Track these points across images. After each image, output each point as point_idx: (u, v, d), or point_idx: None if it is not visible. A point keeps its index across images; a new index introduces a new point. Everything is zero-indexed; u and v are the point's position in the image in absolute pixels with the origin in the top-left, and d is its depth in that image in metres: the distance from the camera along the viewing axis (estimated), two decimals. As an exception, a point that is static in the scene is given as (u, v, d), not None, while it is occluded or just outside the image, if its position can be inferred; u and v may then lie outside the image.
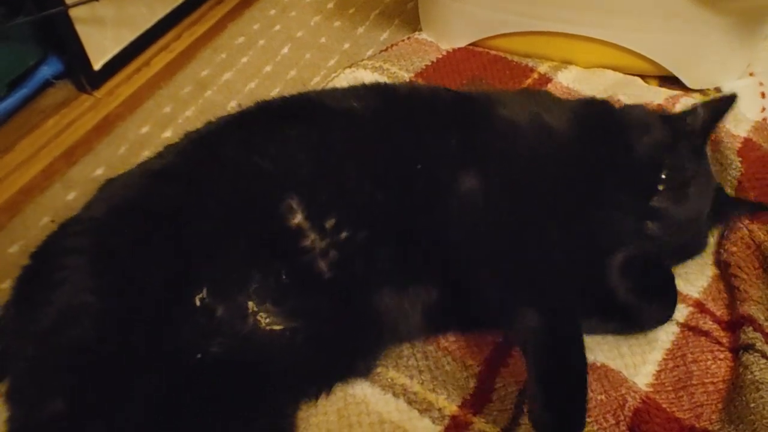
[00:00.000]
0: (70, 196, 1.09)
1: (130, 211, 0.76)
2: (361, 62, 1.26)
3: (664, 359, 0.84)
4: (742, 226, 0.94)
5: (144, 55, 1.30)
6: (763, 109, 1.17)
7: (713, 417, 0.79)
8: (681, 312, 0.88)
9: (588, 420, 0.77)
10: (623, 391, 0.80)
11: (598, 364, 0.83)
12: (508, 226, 0.77)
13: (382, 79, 1.21)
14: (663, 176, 0.82)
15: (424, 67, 1.25)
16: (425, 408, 0.79)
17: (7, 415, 0.68)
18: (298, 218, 0.76)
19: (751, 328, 0.84)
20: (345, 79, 1.21)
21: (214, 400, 0.69)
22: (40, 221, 1.05)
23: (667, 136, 0.86)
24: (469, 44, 1.30)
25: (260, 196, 0.77)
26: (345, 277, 0.77)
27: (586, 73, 1.24)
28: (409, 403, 0.80)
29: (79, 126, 1.17)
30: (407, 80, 1.22)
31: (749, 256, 0.92)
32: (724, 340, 0.86)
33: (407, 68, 1.25)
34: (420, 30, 1.35)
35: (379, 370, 0.83)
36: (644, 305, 0.83)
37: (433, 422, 0.78)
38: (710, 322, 0.87)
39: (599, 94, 1.18)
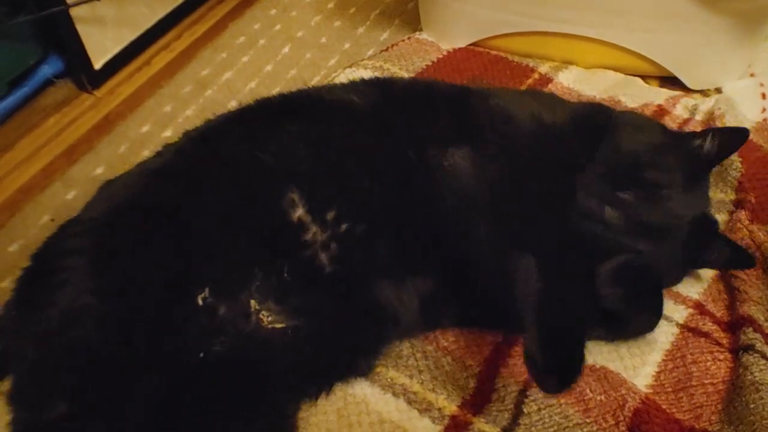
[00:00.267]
0: (71, 194, 1.09)
1: (130, 211, 0.76)
2: (361, 62, 1.26)
3: (664, 360, 0.84)
4: (742, 227, 0.94)
5: (144, 55, 1.30)
6: (764, 110, 1.17)
7: (713, 418, 0.79)
8: (681, 313, 0.88)
9: (588, 420, 0.77)
10: (623, 392, 0.80)
11: (598, 366, 0.83)
12: (499, 185, 0.79)
13: (383, 79, 1.21)
14: (643, 175, 0.80)
15: (424, 67, 1.25)
16: (425, 408, 0.80)
17: (10, 417, 0.69)
18: (299, 212, 0.76)
19: (751, 329, 0.84)
20: (345, 78, 1.20)
21: (215, 400, 0.69)
22: (40, 220, 1.05)
23: (661, 142, 0.85)
24: (470, 44, 1.30)
25: (261, 191, 0.77)
26: (345, 271, 0.77)
27: (587, 74, 1.24)
28: (409, 402, 0.80)
29: (79, 125, 1.17)
30: (408, 80, 1.22)
31: (749, 257, 0.92)
32: (724, 341, 0.86)
33: (407, 68, 1.25)
34: (420, 30, 1.35)
35: (378, 369, 0.83)
36: (630, 314, 0.82)
37: (433, 422, 0.78)
38: (710, 323, 0.87)
39: (600, 94, 1.19)
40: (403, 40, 1.32)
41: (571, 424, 0.77)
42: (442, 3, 1.28)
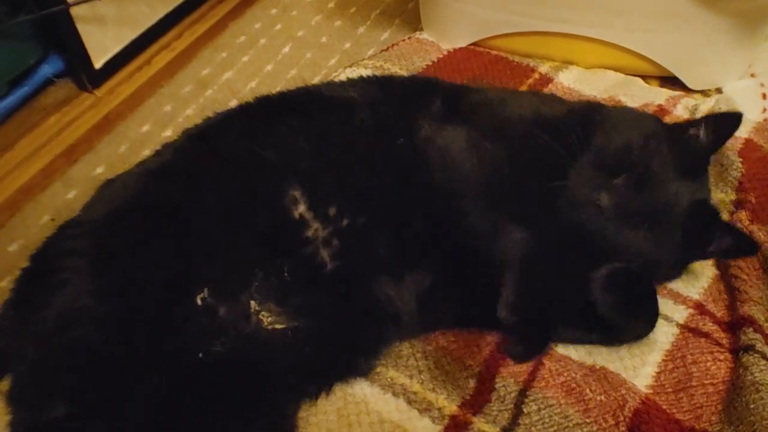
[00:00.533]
0: (71, 194, 1.09)
1: (129, 211, 0.76)
2: (361, 62, 1.26)
3: (664, 360, 0.84)
4: (742, 227, 0.94)
5: (145, 54, 1.30)
6: (764, 110, 1.17)
7: (713, 418, 0.79)
8: (681, 313, 0.88)
9: (588, 420, 0.77)
10: (623, 392, 0.80)
11: (598, 366, 0.83)
12: (492, 164, 0.79)
13: (383, 78, 1.21)
14: (633, 162, 0.79)
15: (424, 67, 1.25)
16: (425, 408, 0.79)
17: (10, 417, 0.69)
18: (301, 208, 0.77)
19: (751, 329, 0.84)
20: (345, 78, 1.20)
21: (214, 400, 0.69)
22: (40, 220, 1.05)
23: (653, 131, 0.84)
24: (470, 44, 1.30)
25: (262, 188, 0.77)
26: (346, 267, 0.77)
27: (587, 74, 1.24)
28: (409, 402, 0.80)
29: (79, 124, 1.17)
30: (408, 80, 1.22)
31: (749, 257, 0.92)
32: (724, 341, 0.86)
33: (408, 68, 1.25)
34: (421, 30, 1.35)
35: (378, 369, 0.83)
36: (624, 320, 0.82)
37: (433, 422, 0.78)
38: (710, 324, 0.87)
39: (600, 94, 1.19)
40: (404, 40, 1.32)
41: (571, 424, 0.77)
42: (443, 3, 1.28)
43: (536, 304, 0.71)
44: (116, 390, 0.67)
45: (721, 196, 1.00)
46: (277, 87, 1.28)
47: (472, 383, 0.81)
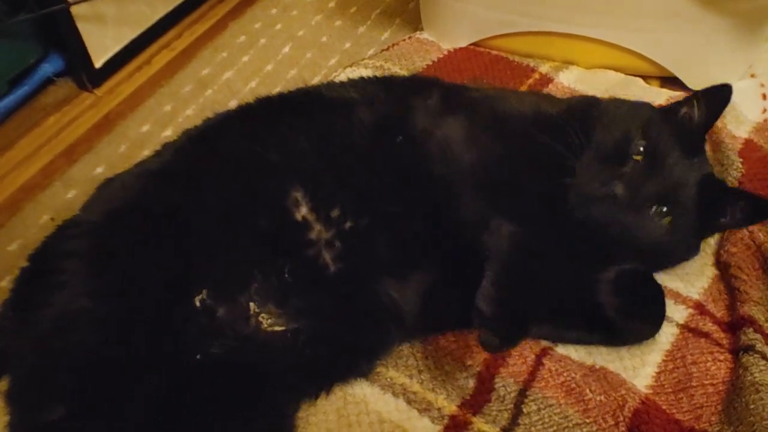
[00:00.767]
0: (70, 194, 1.09)
1: (129, 212, 0.76)
2: (362, 61, 1.26)
3: (664, 361, 0.84)
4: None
5: (145, 54, 1.30)
6: (764, 111, 1.17)
7: (713, 418, 0.79)
8: (681, 313, 0.88)
9: (587, 421, 0.77)
10: (623, 392, 0.80)
11: (598, 366, 0.83)
12: (488, 153, 0.80)
13: (383, 78, 1.21)
14: (638, 148, 0.80)
15: (425, 67, 1.25)
16: (425, 408, 0.79)
17: (9, 418, 0.69)
18: (303, 210, 0.76)
19: (751, 330, 0.84)
20: (346, 78, 1.20)
21: (214, 401, 0.69)
22: (40, 219, 1.05)
23: (648, 116, 0.85)
24: (471, 44, 1.30)
25: (263, 189, 0.77)
26: (349, 269, 0.77)
27: (588, 74, 1.24)
28: (409, 402, 0.80)
29: (79, 124, 1.17)
30: (408, 80, 1.22)
31: (749, 257, 0.92)
32: (724, 342, 0.85)
33: (408, 68, 1.25)
34: (421, 29, 1.35)
35: (378, 369, 0.83)
36: (632, 323, 0.83)
37: (433, 422, 0.78)
38: (710, 324, 0.87)
39: (600, 94, 1.18)
40: (404, 40, 1.32)
41: (570, 425, 0.77)
42: (443, 3, 1.28)
43: (515, 298, 0.71)
44: (115, 391, 0.67)
45: (721, 196, 0.99)
46: (277, 87, 1.28)
47: (471, 383, 0.81)
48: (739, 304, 0.87)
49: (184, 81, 1.30)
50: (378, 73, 1.22)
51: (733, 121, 1.10)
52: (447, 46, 1.30)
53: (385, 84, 0.94)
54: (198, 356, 0.69)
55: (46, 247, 0.78)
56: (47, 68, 1.18)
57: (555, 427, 0.77)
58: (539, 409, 0.79)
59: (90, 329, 0.68)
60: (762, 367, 0.80)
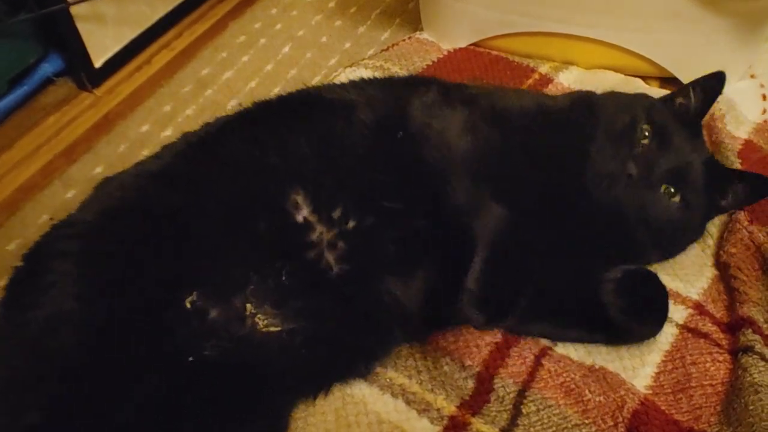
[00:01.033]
0: (70, 194, 1.09)
1: (124, 212, 0.76)
2: (361, 61, 1.26)
3: (663, 361, 0.84)
4: (741, 227, 0.94)
5: (145, 53, 1.29)
6: (764, 111, 1.17)
7: (712, 419, 0.79)
8: (680, 313, 0.88)
9: (586, 421, 0.77)
10: (622, 393, 0.80)
11: (597, 366, 0.83)
12: (484, 140, 0.81)
13: (383, 78, 1.21)
14: (645, 132, 0.83)
15: (425, 67, 1.25)
16: (424, 408, 0.79)
17: None
18: (304, 212, 0.76)
19: (750, 330, 0.83)
20: (345, 78, 1.20)
21: (207, 403, 0.69)
22: (39, 219, 1.05)
23: (649, 102, 0.89)
24: (470, 44, 1.30)
25: (262, 192, 0.77)
26: (353, 270, 0.77)
27: (587, 74, 1.24)
28: (408, 403, 0.80)
29: (79, 124, 1.17)
30: (408, 80, 1.22)
31: (749, 258, 0.92)
32: (724, 342, 0.85)
33: (408, 68, 1.24)
34: (421, 30, 1.35)
35: (377, 369, 0.82)
36: (633, 324, 0.83)
37: (432, 422, 0.78)
38: (709, 324, 0.87)
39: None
40: (404, 40, 1.32)
41: (570, 425, 0.77)
42: (443, 3, 1.28)
43: (503, 277, 0.72)
44: (91, 402, 0.65)
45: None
46: (276, 87, 1.28)
47: (471, 384, 0.81)
48: (738, 304, 0.87)
49: (184, 81, 1.30)
50: (378, 73, 1.22)
51: (732, 121, 1.10)
52: (447, 46, 1.30)
53: (385, 84, 0.95)
54: (190, 358, 0.68)
55: (40, 246, 0.77)
56: (47, 68, 1.18)
57: (554, 428, 0.77)
58: (538, 410, 0.79)
59: (74, 333, 0.67)
60: (761, 368, 0.80)
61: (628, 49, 1.19)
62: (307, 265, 0.76)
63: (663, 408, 0.79)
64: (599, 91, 1.18)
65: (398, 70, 1.24)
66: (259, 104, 0.91)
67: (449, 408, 0.79)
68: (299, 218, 0.76)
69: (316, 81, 1.29)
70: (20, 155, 1.11)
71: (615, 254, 0.89)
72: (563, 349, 0.85)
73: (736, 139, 1.08)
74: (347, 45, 1.38)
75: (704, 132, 0.96)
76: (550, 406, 0.79)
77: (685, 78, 1.20)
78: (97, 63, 1.21)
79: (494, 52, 1.28)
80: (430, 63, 1.26)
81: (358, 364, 0.81)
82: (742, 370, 0.80)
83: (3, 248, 1.01)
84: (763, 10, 1.12)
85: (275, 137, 0.81)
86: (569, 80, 1.22)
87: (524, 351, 0.84)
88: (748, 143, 1.07)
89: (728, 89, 1.21)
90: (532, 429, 0.77)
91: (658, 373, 0.83)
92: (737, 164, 1.01)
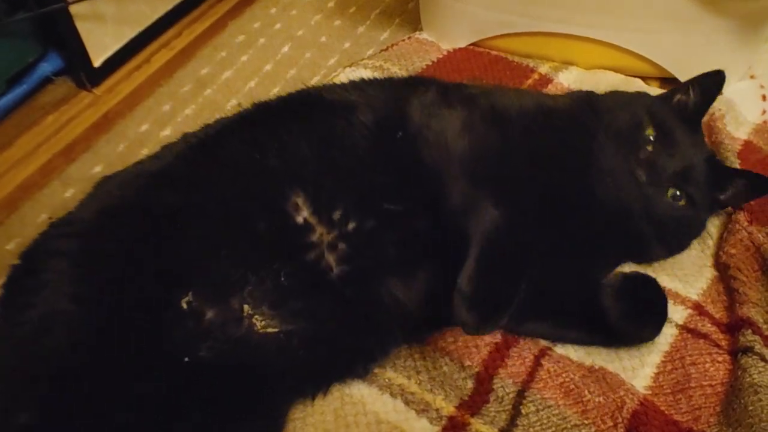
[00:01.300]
0: (68, 193, 1.09)
1: (123, 212, 0.76)
2: (361, 61, 1.26)
3: (663, 362, 0.84)
4: (741, 228, 0.94)
5: (144, 53, 1.29)
6: (764, 112, 1.17)
7: (711, 420, 0.79)
8: (680, 314, 0.88)
9: (586, 422, 0.77)
10: (621, 393, 0.80)
11: (597, 367, 0.83)
12: (482, 140, 0.81)
13: (382, 78, 1.21)
14: (649, 135, 0.84)
15: (424, 67, 1.25)
16: (423, 408, 0.79)
17: None
18: (304, 213, 0.76)
19: (750, 331, 0.83)
20: (345, 78, 1.20)
21: (203, 404, 0.69)
22: (37, 218, 1.05)
23: (651, 103, 0.89)
24: (470, 44, 1.30)
25: (262, 194, 0.77)
26: (354, 271, 0.76)
27: (587, 74, 1.24)
28: (407, 403, 0.80)
29: (78, 123, 1.17)
30: (407, 80, 1.22)
31: (748, 259, 0.92)
32: (723, 343, 0.85)
33: (407, 68, 1.24)
34: (421, 30, 1.35)
35: (376, 370, 0.82)
36: (632, 328, 0.83)
37: (431, 423, 0.78)
38: (709, 325, 0.87)
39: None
40: (403, 40, 1.32)
41: (569, 426, 0.77)
42: (443, 3, 1.28)
43: (496, 279, 0.71)
44: (88, 400, 0.65)
45: (720, 197, 1.00)
46: (276, 87, 1.28)
47: (470, 384, 0.81)
48: (737, 305, 0.87)
49: (184, 80, 1.30)
50: (377, 74, 1.22)
51: (732, 122, 1.10)
52: (446, 46, 1.30)
53: (385, 85, 0.94)
54: (186, 359, 0.68)
55: (38, 244, 0.77)
56: (46, 67, 1.18)
57: (553, 428, 0.77)
58: (538, 410, 0.79)
59: (69, 333, 0.67)
60: (761, 369, 0.80)
61: (628, 49, 1.19)
62: (306, 266, 0.75)
63: (662, 408, 0.79)
64: (599, 91, 1.19)
65: (398, 70, 1.24)
66: (258, 105, 0.90)
67: (448, 408, 0.79)
68: (299, 219, 0.76)
69: (315, 81, 1.29)
70: (19, 154, 1.10)
71: (619, 253, 0.90)
72: (563, 349, 0.85)
73: (736, 139, 1.08)
74: (347, 45, 1.38)
75: (704, 132, 0.96)
76: (549, 407, 0.79)
77: (685, 78, 1.19)
78: (97, 62, 1.21)
79: (494, 52, 1.28)
80: (430, 63, 1.26)
81: (357, 365, 0.81)
82: (742, 370, 0.80)
83: (2, 247, 1.00)
84: (763, 11, 1.12)
85: (275, 138, 0.80)
86: (569, 80, 1.22)
87: (524, 351, 0.84)
88: (747, 144, 1.07)
89: (728, 90, 1.22)
90: (531, 429, 0.77)
91: (657, 374, 0.83)
92: (737, 165, 1.01)
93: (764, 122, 1.14)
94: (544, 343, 0.85)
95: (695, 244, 0.95)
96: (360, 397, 0.81)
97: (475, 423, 0.78)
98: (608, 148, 0.83)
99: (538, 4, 1.19)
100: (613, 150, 0.82)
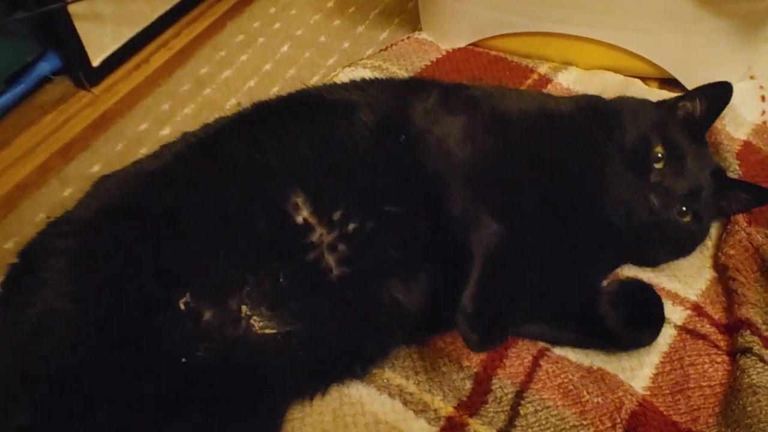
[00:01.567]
0: (67, 192, 1.08)
1: (121, 211, 0.76)
2: (360, 61, 1.26)
3: (662, 362, 0.84)
4: (740, 229, 0.94)
5: (143, 52, 1.29)
6: (763, 113, 1.17)
7: (710, 420, 0.79)
8: (679, 315, 0.88)
9: (584, 422, 0.77)
10: (620, 394, 0.79)
11: (595, 368, 0.83)
12: (484, 150, 0.81)
13: (382, 78, 1.21)
14: (658, 153, 0.83)
15: (423, 67, 1.25)
16: (421, 409, 0.79)
17: None
18: (304, 213, 0.76)
19: (748, 332, 0.83)
20: (344, 78, 1.20)
21: (201, 404, 0.68)
22: (35, 217, 1.05)
23: (659, 118, 0.88)
24: (469, 44, 1.30)
25: (261, 194, 0.76)
26: (355, 272, 0.76)
27: (587, 75, 1.24)
28: (405, 403, 0.80)
29: (76, 122, 1.17)
30: (407, 80, 1.21)
31: (747, 259, 0.91)
32: (722, 344, 0.85)
33: (407, 68, 1.24)
34: (420, 29, 1.35)
35: (374, 370, 0.82)
36: (629, 334, 0.83)
37: (429, 423, 0.78)
38: (708, 326, 0.87)
39: (599, 95, 1.18)
40: (403, 40, 1.31)
41: (567, 426, 0.77)
42: (442, 3, 1.27)
43: (499, 298, 0.71)
44: (85, 400, 0.65)
45: (719, 197, 0.99)
46: (275, 86, 1.28)
47: (468, 384, 0.81)
48: (736, 306, 0.87)
49: (183, 80, 1.30)
50: (376, 73, 1.22)
51: (731, 122, 1.10)
52: (446, 46, 1.30)
53: (386, 85, 0.94)
54: (183, 360, 0.68)
55: (36, 243, 0.77)
56: (44, 66, 1.18)
57: (552, 429, 0.77)
58: (536, 411, 0.78)
59: (67, 333, 0.66)
60: (759, 370, 0.79)
61: (628, 49, 1.19)
62: (306, 266, 0.75)
63: (661, 409, 0.79)
64: (598, 91, 1.19)
65: (397, 70, 1.23)
66: (258, 105, 0.90)
67: (446, 409, 0.79)
68: (299, 219, 0.76)
69: (314, 80, 1.29)
70: (17, 153, 1.11)
71: (620, 257, 0.90)
72: (561, 350, 0.85)
73: (735, 140, 1.08)
74: (346, 45, 1.38)
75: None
76: (548, 407, 0.79)
77: (685, 79, 1.20)
78: (95, 61, 1.21)
79: (493, 52, 1.28)
80: (429, 63, 1.26)
81: (356, 366, 0.81)
82: (741, 371, 0.80)
83: (0, 246, 1.00)
84: (762, 11, 1.12)
85: (275, 138, 0.80)
86: (568, 81, 1.22)
87: (522, 352, 0.84)
88: (747, 144, 1.07)
89: (727, 90, 1.22)
90: (529, 430, 0.77)
91: (656, 374, 0.83)
92: (736, 165, 1.01)
93: (763, 123, 1.14)
94: (542, 343, 0.85)
95: (695, 245, 0.95)
96: (358, 397, 0.80)
97: (474, 423, 0.78)
98: (621, 177, 0.82)
99: (538, 4, 1.18)
100: (623, 171, 0.82)
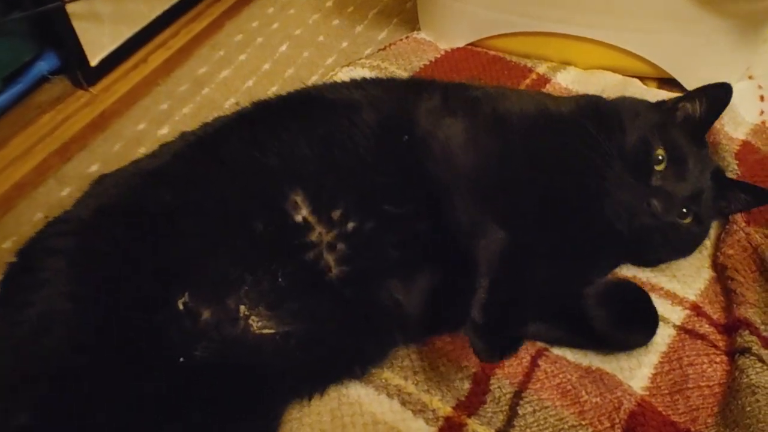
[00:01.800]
0: (64, 192, 1.08)
1: (120, 210, 0.75)
2: (359, 61, 1.26)
3: (660, 362, 0.84)
4: (738, 228, 0.94)
5: (141, 52, 1.29)
6: (762, 112, 1.17)
7: (709, 421, 0.79)
8: (677, 314, 0.88)
9: (583, 423, 0.77)
10: (619, 394, 0.79)
11: (594, 368, 0.83)
12: (487, 157, 0.81)
13: (380, 78, 1.21)
14: (659, 156, 0.83)
15: (422, 67, 1.25)
16: (419, 409, 0.79)
17: None
18: (303, 212, 0.76)
19: (747, 332, 0.83)
20: (343, 77, 1.20)
21: (199, 404, 0.68)
22: (33, 217, 1.04)
23: (659, 119, 0.88)
24: (468, 44, 1.30)
25: (260, 194, 0.76)
26: (354, 272, 0.76)
27: (585, 75, 1.24)
28: (403, 404, 0.80)
29: (74, 122, 1.16)
30: (405, 79, 1.21)
31: (746, 259, 0.91)
32: (721, 344, 0.85)
33: (405, 67, 1.24)
34: (419, 29, 1.35)
35: (373, 370, 0.82)
36: (620, 335, 0.83)
37: (427, 423, 0.78)
38: (706, 325, 0.87)
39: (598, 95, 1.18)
40: (401, 40, 1.31)
41: (566, 426, 0.77)
42: (441, 2, 1.27)
43: (508, 308, 0.71)
44: (85, 400, 0.65)
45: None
46: (274, 86, 1.28)
47: (467, 384, 0.81)
48: (735, 306, 0.87)
49: (181, 79, 1.30)
50: (375, 73, 1.22)
51: (730, 122, 1.10)
52: (444, 46, 1.30)
53: (388, 85, 0.94)
54: (181, 359, 0.68)
55: (34, 242, 0.77)
56: (42, 66, 1.17)
57: (550, 429, 0.77)
58: (534, 411, 0.78)
59: (66, 332, 0.66)
60: (758, 370, 0.79)
61: (627, 49, 1.19)
62: (305, 266, 0.75)
63: (660, 409, 0.79)
64: (597, 91, 1.19)
65: (395, 70, 1.23)
66: (258, 103, 0.90)
67: (445, 409, 0.79)
68: (298, 218, 0.75)
69: (313, 80, 1.29)
70: (15, 153, 1.10)
71: (620, 257, 0.90)
72: (559, 350, 0.85)
73: (734, 140, 1.08)
74: (344, 44, 1.38)
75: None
76: (546, 407, 0.78)
77: (684, 79, 1.20)
78: (93, 61, 1.21)
79: (492, 52, 1.28)
80: (428, 63, 1.26)
81: (354, 366, 0.80)
82: (739, 371, 0.80)
83: (-2, 246, 1.00)
84: (762, 11, 1.12)
85: (275, 137, 0.80)
86: (567, 80, 1.22)
87: (521, 352, 0.84)
88: (745, 144, 1.07)
89: (726, 90, 1.22)
90: (528, 430, 0.77)
91: (654, 374, 0.82)
92: (734, 165, 1.01)
93: (762, 123, 1.14)
94: (540, 343, 0.85)
95: (693, 245, 0.95)
96: (357, 397, 0.80)
97: (472, 424, 0.78)
98: (622, 181, 0.81)
99: (537, 4, 1.18)
100: (624, 174, 0.82)
